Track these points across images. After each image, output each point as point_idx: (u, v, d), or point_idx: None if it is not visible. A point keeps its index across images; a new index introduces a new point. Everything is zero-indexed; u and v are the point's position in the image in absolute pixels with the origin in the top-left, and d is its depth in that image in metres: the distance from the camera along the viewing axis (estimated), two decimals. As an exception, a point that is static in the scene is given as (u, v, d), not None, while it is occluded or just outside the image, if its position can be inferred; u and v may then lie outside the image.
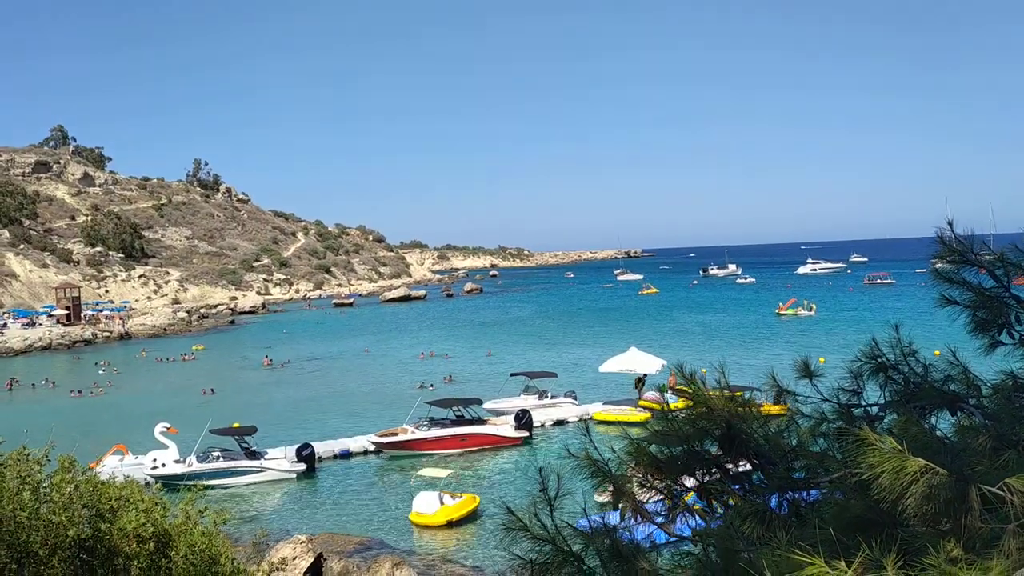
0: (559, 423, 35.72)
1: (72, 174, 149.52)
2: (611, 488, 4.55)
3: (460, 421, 33.45)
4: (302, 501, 27.29)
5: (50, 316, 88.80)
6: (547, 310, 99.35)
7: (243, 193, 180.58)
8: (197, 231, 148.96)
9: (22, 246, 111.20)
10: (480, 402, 35.87)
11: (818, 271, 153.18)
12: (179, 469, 27.82)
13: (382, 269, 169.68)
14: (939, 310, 4.58)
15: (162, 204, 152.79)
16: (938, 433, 3.73)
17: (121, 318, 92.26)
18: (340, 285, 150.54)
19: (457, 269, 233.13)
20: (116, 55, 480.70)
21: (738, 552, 3.53)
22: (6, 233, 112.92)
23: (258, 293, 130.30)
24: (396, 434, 32.40)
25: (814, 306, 78.94)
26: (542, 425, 35.29)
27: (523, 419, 33.67)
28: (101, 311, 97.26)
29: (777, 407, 4.77)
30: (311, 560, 18.33)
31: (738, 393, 4.57)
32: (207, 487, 7.58)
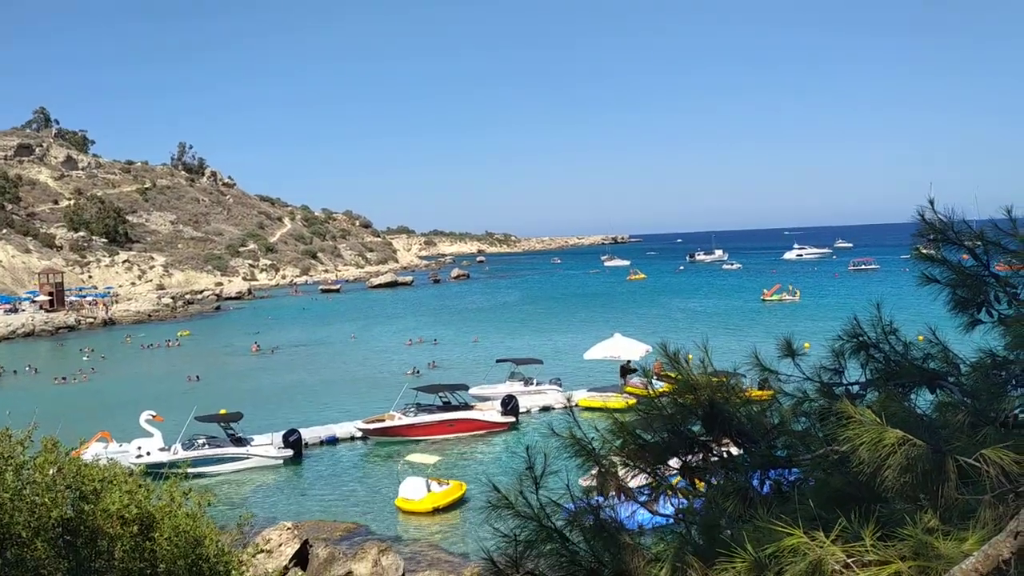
0: (545, 409, 35.85)
1: (55, 157, 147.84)
2: (595, 471, 4.58)
3: (447, 407, 33.52)
4: (288, 487, 27.30)
5: (33, 302, 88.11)
6: (534, 296, 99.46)
7: (229, 177, 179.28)
8: (182, 216, 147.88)
9: (4, 231, 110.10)
10: (466, 388, 35.94)
11: (804, 256, 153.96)
12: (164, 457, 27.70)
13: (369, 255, 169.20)
14: (921, 291, 4.63)
15: (146, 188, 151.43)
16: (918, 410, 3.77)
17: (105, 304, 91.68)
18: (327, 271, 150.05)
19: (444, 255, 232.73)
20: (100, 35, 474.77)
21: (720, 528, 3.56)
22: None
23: (244, 279, 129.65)
24: (383, 420, 32.42)
25: (798, 292, 79.40)
26: (528, 411, 35.41)
27: (509, 404, 33.77)
28: (85, 297, 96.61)
29: (761, 392, 4.80)
30: (297, 546, 18.35)
31: (723, 377, 4.60)
32: (193, 475, 7.56)
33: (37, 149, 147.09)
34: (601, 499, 4.49)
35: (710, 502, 4.03)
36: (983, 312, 4.29)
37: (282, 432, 30.35)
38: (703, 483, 4.41)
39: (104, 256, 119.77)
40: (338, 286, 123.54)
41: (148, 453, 28.17)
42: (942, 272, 4.43)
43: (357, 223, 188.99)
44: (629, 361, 37.99)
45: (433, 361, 49.33)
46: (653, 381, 4.90)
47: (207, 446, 29.28)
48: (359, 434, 32.23)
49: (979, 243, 4.33)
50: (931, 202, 4.45)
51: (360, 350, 57.75)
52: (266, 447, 29.63)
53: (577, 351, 43.84)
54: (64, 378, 48.86)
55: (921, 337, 4.66)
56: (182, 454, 27.87)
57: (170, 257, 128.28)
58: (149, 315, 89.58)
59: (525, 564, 4.05)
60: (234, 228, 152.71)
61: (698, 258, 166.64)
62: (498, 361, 41.33)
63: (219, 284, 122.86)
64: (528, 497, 4.41)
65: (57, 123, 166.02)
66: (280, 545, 18.20)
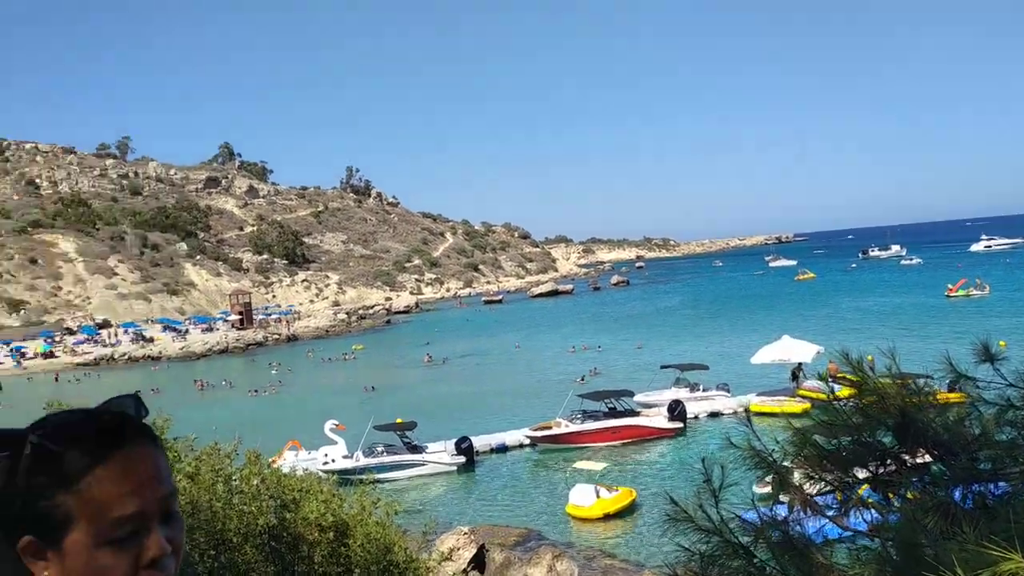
0: (713, 415, 34.98)
1: (239, 187, 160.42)
2: (774, 479, 4.46)
3: (613, 413, 33.39)
4: (462, 493, 28.09)
5: (225, 321, 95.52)
6: (695, 300, 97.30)
7: (393, 197, 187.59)
8: (352, 235, 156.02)
9: (198, 257, 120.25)
10: (632, 394, 35.63)
11: (993, 248, 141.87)
12: (348, 464, 29.20)
13: (528, 265, 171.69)
14: None
15: (319, 211, 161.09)
16: None
17: (288, 321, 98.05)
18: (488, 282, 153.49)
19: (603, 262, 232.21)
20: (273, 74, 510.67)
21: (921, 547, 3.38)
22: (184, 245, 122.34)
23: (411, 293, 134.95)
24: (550, 427, 32.73)
25: (987, 286, 73.16)
26: (696, 417, 34.67)
27: (676, 410, 33.20)
28: (270, 315, 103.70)
29: (954, 395, 4.49)
30: (474, 551, 18.86)
31: (908, 380, 4.35)
32: (373, 481, 7.99)
33: (223, 181, 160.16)
34: (783, 509, 4.37)
35: (907, 517, 3.83)
36: None
37: (454, 440, 31.26)
38: (896, 496, 4.20)
39: (285, 276, 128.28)
40: (500, 297, 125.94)
41: (333, 460, 29.77)
42: None
43: (516, 234, 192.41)
44: (800, 364, 36.42)
45: (595, 368, 49.28)
46: (831, 384, 4.71)
47: (385, 453, 30.62)
48: (527, 441, 32.70)
49: None
50: None
51: (525, 359, 58.60)
52: (440, 454, 30.63)
53: (743, 355, 42.51)
54: (256, 391, 52.63)
55: None
56: (363, 461, 29.28)
57: (343, 275, 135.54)
58: (327, 330, 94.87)
59: (710, 579, 4.00)
60: (400, 245, 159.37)
61: (872, 254, 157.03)
62: (662, 367, 40.69)
63: (388, 299, 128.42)
64: (708, 510, 4.35)
65: (240, 156, 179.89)
66: (458, 549, 18.77)
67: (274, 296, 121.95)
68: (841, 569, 3.68)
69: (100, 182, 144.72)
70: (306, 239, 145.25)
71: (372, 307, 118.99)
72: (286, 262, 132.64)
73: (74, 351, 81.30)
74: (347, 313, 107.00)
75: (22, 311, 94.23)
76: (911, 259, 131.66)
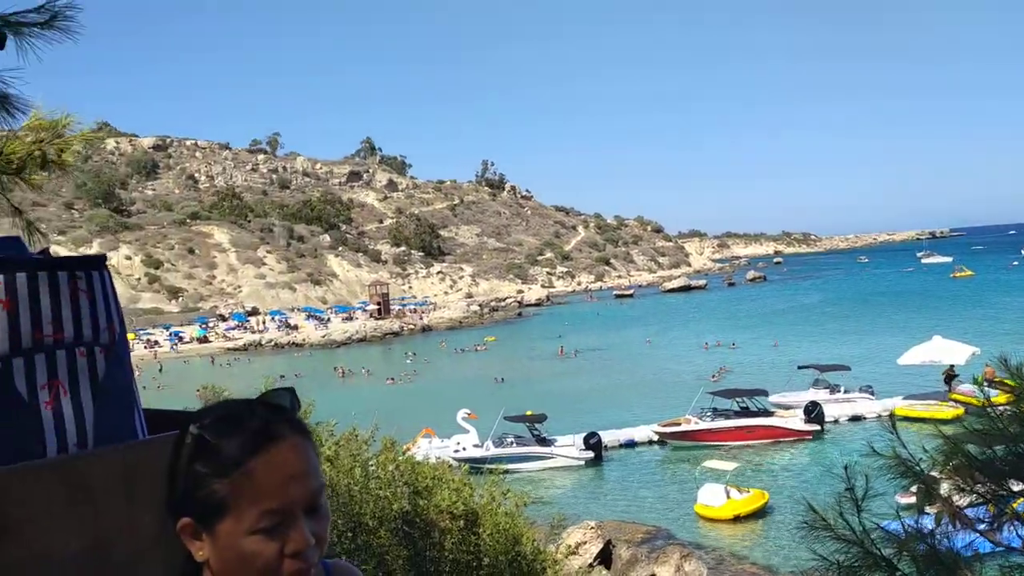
0: (855, 419, 33.39)
1: (379, 181, 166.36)
2: (920, 490, 4.24)
3: (745, 412, 32.48)
4: (589, 488, 28.08)
5: (364, 311, 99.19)
6: (838, 297, 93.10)
7: (526, 190, 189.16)
8: (486, 228, 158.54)
9: (340, 248, 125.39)
10: (766, 393, 34.48)
11: None
12: (478, 453, 29.77)
13: (661, 259, 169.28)
14: None
15: (455, 205, 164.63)
16: None
17: (423, 312, 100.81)
18: (620, 276, 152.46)
19: (738, 257, 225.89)
20: (414, 73, 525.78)
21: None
22: (327, 237, 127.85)
23: (542, 286, 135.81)
24: (679, 424, 32.21)
25: None
26: (836, 421, 33.22)
27: (813, 412, 31.93)
28: (406, 306, 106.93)
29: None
30: (601, 546, 18.84)
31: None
32: (505, 471, 8.12)
33: (364, 175, 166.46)
34: (929, 521, 4.16)
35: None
36: None
37: (583, 434, 31.28)
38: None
39: (421, 268, 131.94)
40: (631, 291, 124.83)
41: (464, 448, 30.42)
42: None
43: (649, 228, 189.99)
44: (952, 366, 34.21)
45: (722, 366, 47.88)
46: (986, 389, 4.42)
47: (515, 444, 31.01)
48: (656, 438, 32.31)
49: None
50: None
51: (655, 354, 57.88)
52: (569, 448, 30.72)
53: (890, 356, 40.36)
54: (392, 379, 54.45)
55: None
56: (494, 451, 29.77)
57: (476, 267, 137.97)
58: (460, 322, 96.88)
59: (848, 591, 3.85)
60: (532, 238, 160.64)
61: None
62: (800, 368, 39.16)
63: (520, 292, 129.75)
64: (848, 519, 4.19)
65: (380, 151, 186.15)
66: (584, 543, 18.79)
67: (410, 287, 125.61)
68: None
69: (252, 176, 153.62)
70: (442, 232, 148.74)
71: (504, 299, 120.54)
72: (422, 254, 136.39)
73: (226, 336, 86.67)
74: (480, 305, 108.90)
75: (180, 298, 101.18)
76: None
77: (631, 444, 32.59)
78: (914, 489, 4.26)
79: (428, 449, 26.86)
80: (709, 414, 32.38)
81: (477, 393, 45.17)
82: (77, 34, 3.15)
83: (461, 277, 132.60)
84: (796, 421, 31.75)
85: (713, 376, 44.74)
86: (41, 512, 1.43)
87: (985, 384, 4.55)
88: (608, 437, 32.34)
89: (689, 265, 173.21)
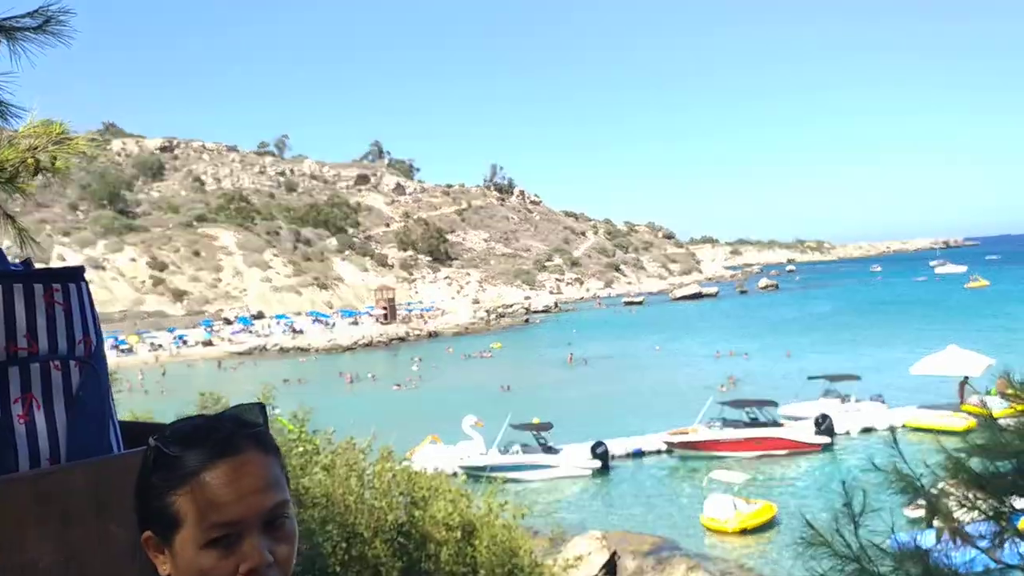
0: (866, 430, 33.11)
1: (387, 185, 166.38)
2: (925, 506, 4.19)
3: (754, 423, 32.29)
4: (596, 498, 27.94)
5: (370, 315, 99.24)
6: (851, 307, 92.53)
7: (535, 195, 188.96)
8: (494, 233, 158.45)
9: (347, 252, 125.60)
10: (775, 404, 34.23)
11: None
12: (483, 461, 29.66)
13: (672, 266, 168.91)
14: None
15: (463, 209, 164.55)
16: None
17: (429, 317, 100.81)
18: (629, 283, 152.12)
19: (750, 265, 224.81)
20: (422, 76, 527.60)
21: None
22: (334, 241, 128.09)
23: (550, 292, 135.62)
24: (687, 433, 32.05)
25: None
26: (846, 432, 32.97)
27: (823, 424, 31.70)
28: (413, 311, 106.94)
29: None
30: (606, 557, 18.73)
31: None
32: (506, 480, 8.06)
33: (372, 178, 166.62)
34: (929, 537, 4.10)
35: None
36: None
37: (590, 443, 31.12)
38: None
39: (428, 273, 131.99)
40: (641, 298, 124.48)
41: (470, 456, 30.31)
42: None
43: (659, 234, 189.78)
44: (967, 377, 33.92)
45: (732, 376, 47.66)
46: (987, 405, 4.37)
47: (520, 453, 30.88)
48: (664, 447, 32.14)
49: None
50: None
51: (664, 362, 57.68)
52: (575, 457, 30.58)
53: (902, 365, 40.11)
54: (399, 384, 54.42)
55: None
56: (499, 459, 29.65)
57: (484, 273, 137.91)
58: (466, 328, 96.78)
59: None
60: (541, 244, 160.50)
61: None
62: (810, 378, 38.92)
63: (527, 298, 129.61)
64: (846, 535, 4.14)
65: (388, 154, 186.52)
66: (589, 554, 18.68)
67: (417, 292, 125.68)
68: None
69: (259, 179, 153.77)
70: (449, 236, 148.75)
71: (511, 306, 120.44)
72: (430, 259, 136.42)
73: (231, 340, 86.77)
74: (487, 311, 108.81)
75: (185, 300, 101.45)
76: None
77: (639, 454, 32.39)
78: (919, 503, 4.21)
79: (434, 456, 26.70)
80: (718, 423, 32.21)
81: (483, 400, 45.02)
82: (70, 39, 3.12)
83: (468, 283, 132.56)
84: (806, 433, 31.53)
85: (723, 386, 44.52)
86: (13, 527, 1.44)
87: (999, 396, 4.48)
88: (615, 446, 32.16)
89: (700, 272, 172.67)
